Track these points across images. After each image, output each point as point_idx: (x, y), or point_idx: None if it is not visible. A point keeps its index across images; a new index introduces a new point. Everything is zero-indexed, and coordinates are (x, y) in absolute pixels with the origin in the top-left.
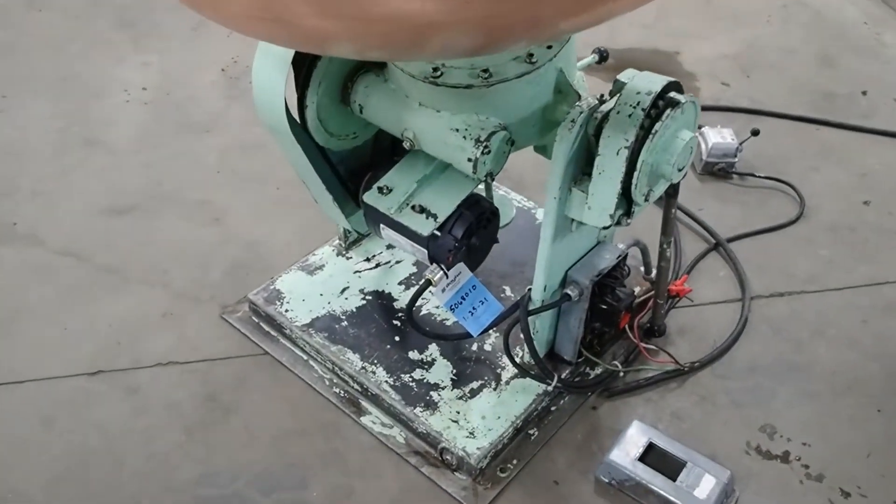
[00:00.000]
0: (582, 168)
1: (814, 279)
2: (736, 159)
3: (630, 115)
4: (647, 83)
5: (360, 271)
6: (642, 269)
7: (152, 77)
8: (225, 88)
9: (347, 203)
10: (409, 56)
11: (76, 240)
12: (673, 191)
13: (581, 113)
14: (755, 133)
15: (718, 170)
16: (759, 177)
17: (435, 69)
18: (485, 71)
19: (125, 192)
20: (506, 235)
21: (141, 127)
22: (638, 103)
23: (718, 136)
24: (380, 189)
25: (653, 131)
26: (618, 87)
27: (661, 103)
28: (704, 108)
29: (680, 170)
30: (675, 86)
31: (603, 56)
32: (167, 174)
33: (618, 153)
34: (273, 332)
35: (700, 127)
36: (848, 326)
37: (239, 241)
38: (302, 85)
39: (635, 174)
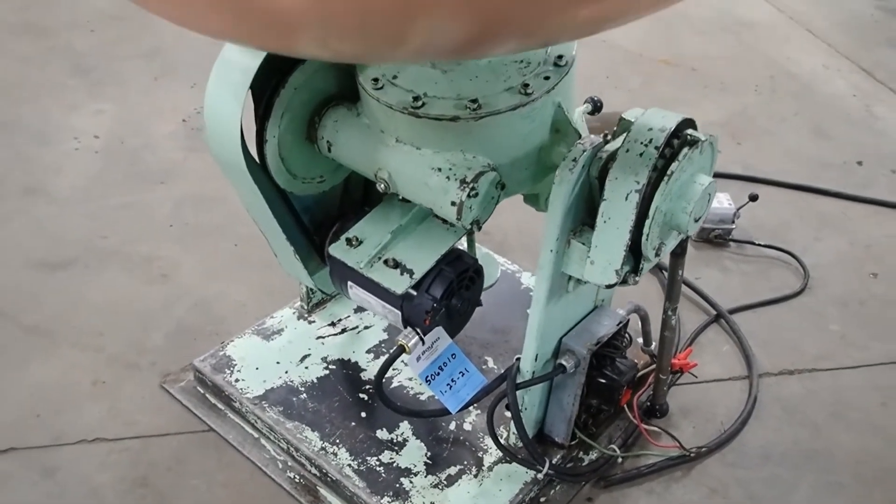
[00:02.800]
0: (583, 217)
1: (826, 356)
2: (733, 226)
3: (641, 154)
4: (659, 119)
5: (323, 337)
6: (640, 339)
7: (106, 125)
8: (184, 139)
9: (311, 258)
10: (387, 50)
11: (3, 295)
12: (680, 249)
13: (584, 152)
14: (753, 198)
15: (715, 237)
16: (759, 245)
17: (416, 98)
18: (473, 101)
19: (64, 245)
20: (488, 299)
21: (89, 176)
22: (650, 141)
23: (714, 202)
24: (348, 240)
25: (668, 173)
26: (624, 126)
27: (677, 142)
28: None
29: (697, 220)
30: (691, 123)
31: (597, 105)
32: (113, 226)
33: (627, 198)
34: (220, 406)
35: None
36: (868, 409)
37: (188, 300)
38: (262, 116)
39: (647, 223)
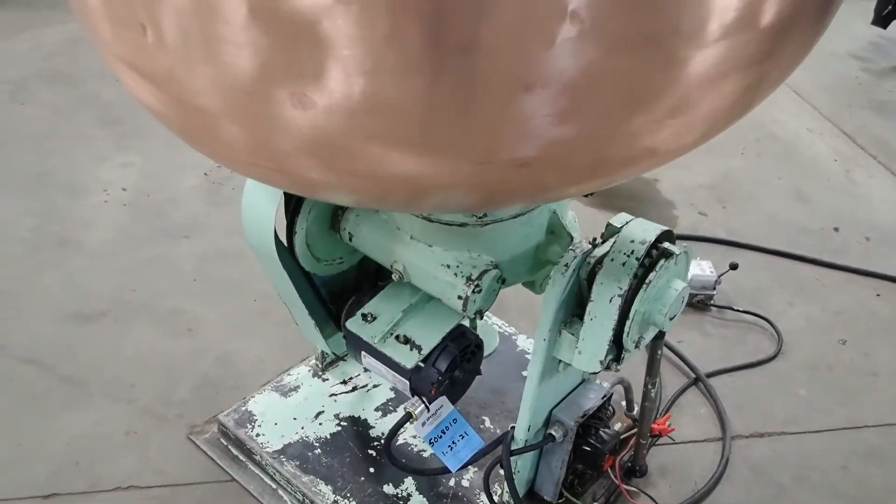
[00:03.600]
0: (572, 310)
1: (793, 420)
2: (715, 292)
3: (624, 264)
4: (641, 231)
5: (336, 395)
6: (624, 403)
7: (133, 178)
8: (206, 193)
9: (327, 325)
10: (403, 209)
11: (40, 346)
12: (660, 333)
13: (575, 258)
14: (733, 267)
15: (698, 301)
16: (737, 310)
17: None
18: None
19: (96, 297)
20: (487, 362)
21: (118, 229)
22: (632, 252)
23: (698, 269)
24: (364, 316)
25: (646, 281)
26: (611, 232)
27: (655, 252)
28: (683, 238)
29: (671, 318)
30: (668, 235)
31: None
32: (141, 280)
33: (611, 301)
34: (242, 458)
35: None
36: (830, 472)
37: (211, 354)
38: (292, 211)
39: (627, 323)
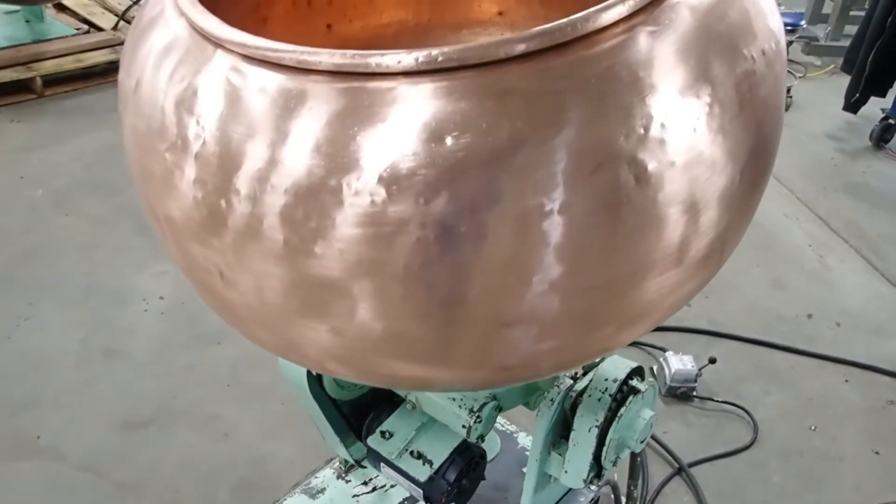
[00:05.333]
0: (560, 433)
1: None
2: (696, 384)
3: (599, 400)
4: (613, 369)
5: (358, 495)
6: (612, 497)
7: (168, 286)
8: None
9: (349, 437)
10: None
11: (95, 455)
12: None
13: (559, 393)
14: (712, 361)
15: (681, 393)
16: (717, 401)
17: None
18: None
19: (142, 406)
20: (490, 462)
21: (157, 338)
22: (606, 389)
23: (680, 363)
24: (382, 433)
25: (619, 415)
26: (589, 366)
27: (626, 388)
28: (668, 329)
29: (642, 441)
30: (638, 371)
31: None
32: (181, 387)
33: (589, 430)
34: None
35: (664, 351)
36: None
37: (246, 458)
38: None
39: (604, 448)
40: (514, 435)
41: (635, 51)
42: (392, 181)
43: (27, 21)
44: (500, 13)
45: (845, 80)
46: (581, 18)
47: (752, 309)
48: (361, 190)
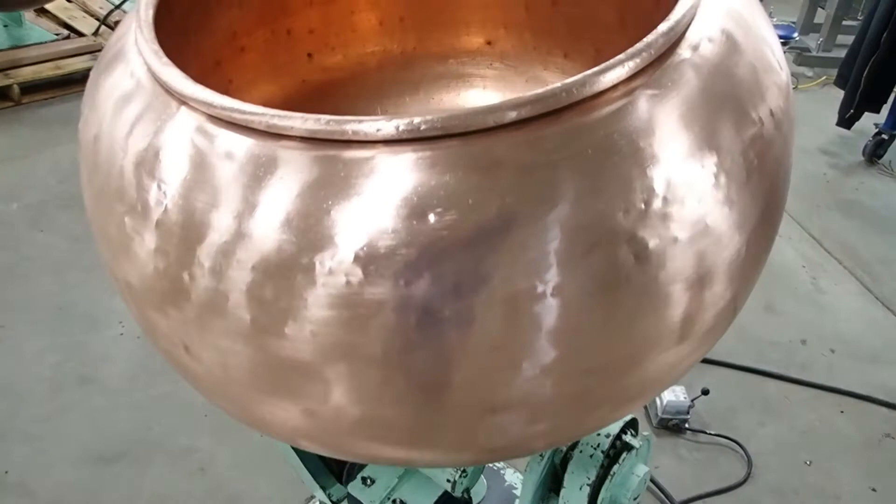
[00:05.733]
0: (549, 486)
1: None
2: (688, 415)
3: (591, 456)
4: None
5: None
6: None
7: None
8: None
9: (329, 479)
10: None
11: (66, 491)
12: None
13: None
14: (705, 392)
15: (673, 425)
16: (710, 434)
17: None
18: None
19: (116, 438)
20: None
21: (133, 363)
22: (598, 445)
23: (672, 395)
24: (363, 479)
25: (611, 473)
26: None
27: (619, 444)
28: None
29: (635, 499)
30: (633, 424)
31: None
32: (156, 417)
33: (580, 489)
34: None
35: None
36: None
37: (223, 494)
38: None
39: None
40: (501, 472)
41: (635, 117)
42: (369, 261)
43: (5, 26)
44: (488, 42)
45: (837, 92)
46: (577, 83)
47: (745, 334)
48: (336, 269)
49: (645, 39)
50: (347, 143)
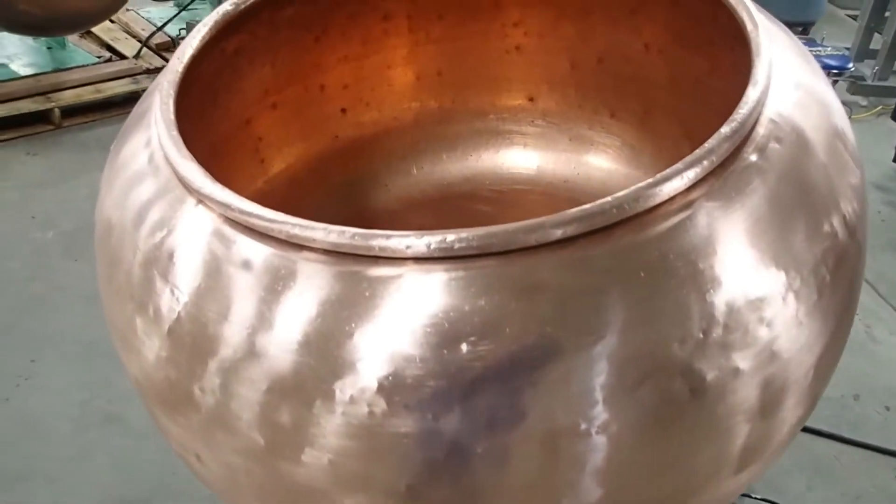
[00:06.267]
0: None
1: None
2: None
3: None
4: None
5: None
6: None
7: None
8: None
9: None
10: None
11: None
12: None
13: None
14: None
15: None
16: (755, 498)
17: None
18: None
19: (139, 481)
20: None
21: None
22: None
23: None
24: None
25: None
26: None
27: None
28: None
29: None
30: None
31: None
32: (181, 462)
33: None
34: None
35: None
36: None
37: None
38: None
39: None
40: None
41: (694, 234)
42: (394, 391)
43: (49, 48)
44: (530, 99)
45: (893, 124)
46: (629, 197)
47: None
48: (357, 398)
49: (706, 144)
50: (374, 258)
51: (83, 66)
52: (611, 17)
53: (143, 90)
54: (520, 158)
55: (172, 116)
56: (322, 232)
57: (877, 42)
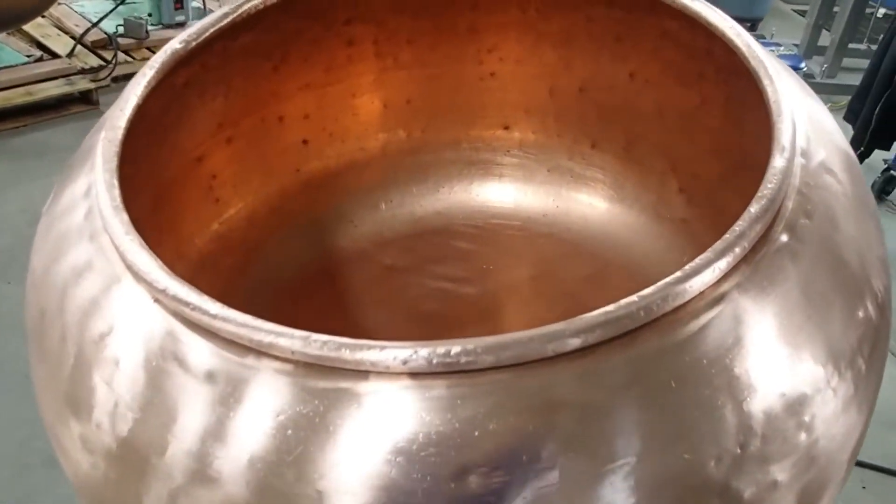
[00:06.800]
0: None
1: None
2: None
3: None
4: None
5: None
6: None
7: None
8: None
9: None
10: None
11: None
12: None
13: None
14: None
15: None
16: None
17: None
18: None
19: None
20: None
21: None
22: None
23: None
24: None
25: None
26: None
27: None
28: None
29: None
30: None
31: None
32: None
33: None
34: None
35: None
36: None
37: None
38: None
39: None
40: None
41: (727, 333)
42: None
43: None
44: (505, 127)
45: (843, 123)
46: (657, 296)
47: None
48: None
49: (736, 227)
50: (358, 373)
51: (12, 66)
52: (594, 43)
53: (79, 92)
54: (495, 191)
55: (121, 203)
56: (299, 341)
57: (825, 38)
